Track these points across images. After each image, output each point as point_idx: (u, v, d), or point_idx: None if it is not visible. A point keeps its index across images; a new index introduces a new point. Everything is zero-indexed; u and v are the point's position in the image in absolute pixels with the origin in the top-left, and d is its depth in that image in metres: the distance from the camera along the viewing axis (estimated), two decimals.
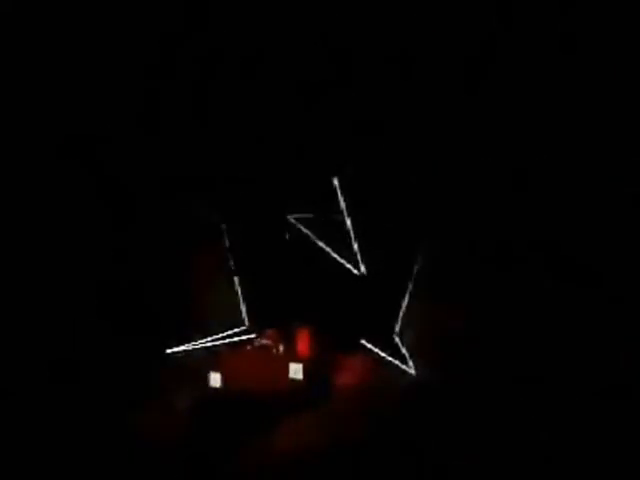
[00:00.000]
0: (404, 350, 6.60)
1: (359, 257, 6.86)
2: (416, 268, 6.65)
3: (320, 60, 6.59)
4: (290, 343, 6.57)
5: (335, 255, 7.01)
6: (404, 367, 6.46)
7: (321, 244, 6.98)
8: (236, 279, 7.12)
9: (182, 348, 6.79)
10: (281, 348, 6.58)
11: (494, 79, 6.14)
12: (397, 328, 6.69)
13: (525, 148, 6.13)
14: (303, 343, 6.49)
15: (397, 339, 6.68)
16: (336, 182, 6.72)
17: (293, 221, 6.97)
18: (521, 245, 6.14)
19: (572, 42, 5.88)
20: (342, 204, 6.83)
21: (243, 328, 6.93)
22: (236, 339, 6.84)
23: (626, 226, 5.84)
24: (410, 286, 6.66)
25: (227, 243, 7.11)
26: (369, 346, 6.66)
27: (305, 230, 7.02)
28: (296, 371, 6.37)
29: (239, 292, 7.11)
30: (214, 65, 6.84)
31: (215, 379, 6.43)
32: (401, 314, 6.70)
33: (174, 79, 6.93)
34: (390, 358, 6.58)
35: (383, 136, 6.60)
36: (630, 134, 5.85)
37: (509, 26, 6.04)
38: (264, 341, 6.65)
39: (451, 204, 6.43)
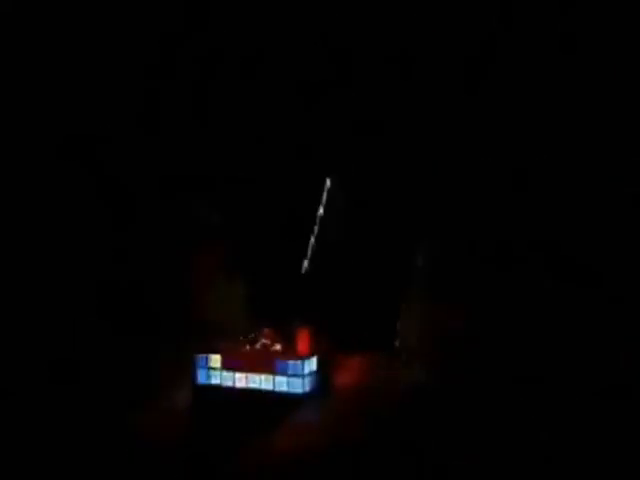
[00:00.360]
0: (404, 350, 6.60)
1: (358, 257, 6.87)
2: (416, 268, 6.65)
3: (320, 60, 6.59)
4: (290, 343, 6.58)
5: (335, 254, 7.04)
6: (404, 367, 6.46)
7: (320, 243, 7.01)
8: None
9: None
10: (278, 347, 6.59)
11: (494, 79, 6.14)
12: (397, 328, 6.70)
13: (525, 148, 6.13)
14: (303, 343, 6.50)
15: (397, 339, 6.69)
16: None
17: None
18: (521, 245, 6.14)
19: (572, 42, 5.89)
20: (341, 204, 6.87)
21: (242, 327, 6.93)
22: (235, 338, 6.83)
23: (626, 226, 5.84)
24: (410, 286, 6.66)
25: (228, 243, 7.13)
26: (369, 347, 6.66)
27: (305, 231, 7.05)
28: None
29: (240, 291, 7.13)
30: (214, 65, 6.85)
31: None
32: (401, 314, 6.71)
33: (174, 79, 6.94)
34: (390, 358, 6.59)
35: (383, 136, 6.60)
36: (630, 134, 5.85)
37: (509, 26, 6.04)
38: (263, 340, 6.67)
39: (451, 204, 6.43)
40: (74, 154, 7.02)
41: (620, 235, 5.86)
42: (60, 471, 5.25)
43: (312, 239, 7.00)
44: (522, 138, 6.14)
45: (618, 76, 5.81)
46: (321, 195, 7.03)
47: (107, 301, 7.02)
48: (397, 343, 6.68)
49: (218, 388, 6.51)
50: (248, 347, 6.68)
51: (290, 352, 6.45)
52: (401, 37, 6.34)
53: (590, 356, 5.69)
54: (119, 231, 7.10)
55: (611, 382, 5.50)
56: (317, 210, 7.03)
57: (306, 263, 6.97)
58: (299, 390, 6.25)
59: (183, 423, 5.98)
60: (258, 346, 6.66)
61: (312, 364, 6.43)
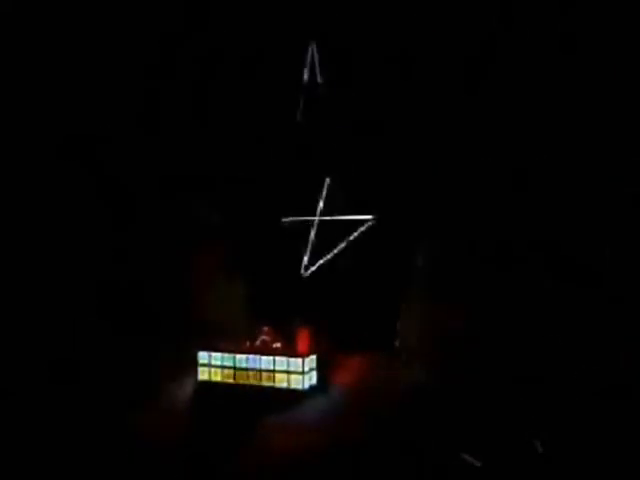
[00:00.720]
0: (404, 350, 6.60)
1: (358, 257, 6.88)
2: (416, 268, 6.65)
3: (320, 60, 6.59)
4: (290, 342, 6.59)
5: (335, 256, 7.04)
6: (404, 367, 6.45)
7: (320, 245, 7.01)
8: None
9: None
10: (278, 345, 6.62)
11: (494, 79, 6.14)
12: (397, 328, 6.69)
13: (525, 148, 6.13)
14: (303, 343, 6.51)
15: (397, 339, 6.69)
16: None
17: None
18: (521, 245, 6.14)
19: (572, 42, 5.88)
20: (341, 204, 6.87)
21: (242, 327, 6.93)
22: (235, 338, 6.84)
23: (626, 226, 5.84)
24: (410, 286, 6.66)
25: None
26: (369, 347, 6.66)
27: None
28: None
29: (240, 291, 7.14)
30: (214, 65, 6.85)
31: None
32: (401, 314, 6.70)
33: (174, 79, 6.94)
34: (390, 358, 6.58)
35: (383, 136, 6.60)
36: (630, 134, 5.85)
37: (509, 26, 6.04)
38: (263, 337, 6.70)
39: (451, 204, 6.43)
40: (74, 154, 7.02)
41: (620, 235, 5.86)
42: (60, 471, 5.25)
43: (312, 239, 7.01)
44: (522, 138, 6.13)
45: (618, 76, 5.80)
46: (321, 195, 7.02)
47: (107, 301, 7.02)
48: (397, 343, 6.68)
49: (219, 385, 6.54)
50: (248, 343, 6.71)
51: (290, 351, 6.46)
52: (401, 37, 6.33)
53: (590, 356, 5.68)
54: (119, 231, 7.10)
55: (611, 382, 5.49)
56: (317, 210, 7.03)
57: (306, 260, 6.98)
58: (299, 388, 6.26)
59: (183, 423, 5.99)
60: (258, 343, 6.69)
61: (312, 363, 6.45)
